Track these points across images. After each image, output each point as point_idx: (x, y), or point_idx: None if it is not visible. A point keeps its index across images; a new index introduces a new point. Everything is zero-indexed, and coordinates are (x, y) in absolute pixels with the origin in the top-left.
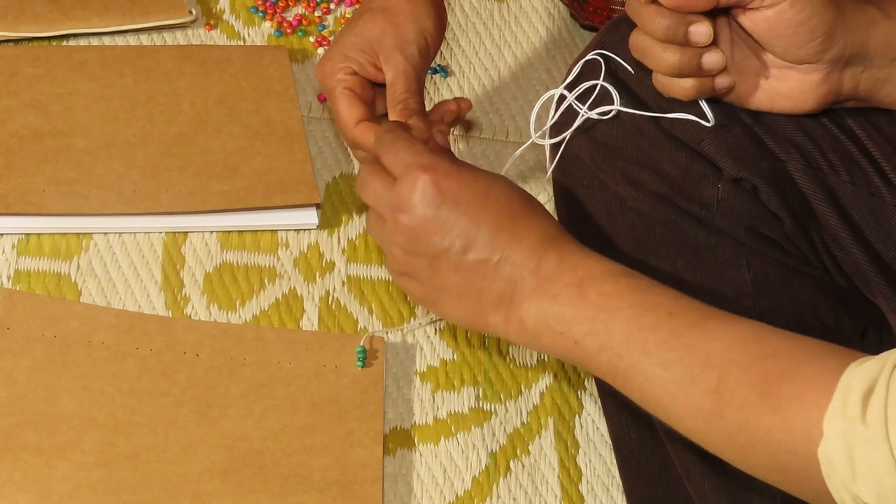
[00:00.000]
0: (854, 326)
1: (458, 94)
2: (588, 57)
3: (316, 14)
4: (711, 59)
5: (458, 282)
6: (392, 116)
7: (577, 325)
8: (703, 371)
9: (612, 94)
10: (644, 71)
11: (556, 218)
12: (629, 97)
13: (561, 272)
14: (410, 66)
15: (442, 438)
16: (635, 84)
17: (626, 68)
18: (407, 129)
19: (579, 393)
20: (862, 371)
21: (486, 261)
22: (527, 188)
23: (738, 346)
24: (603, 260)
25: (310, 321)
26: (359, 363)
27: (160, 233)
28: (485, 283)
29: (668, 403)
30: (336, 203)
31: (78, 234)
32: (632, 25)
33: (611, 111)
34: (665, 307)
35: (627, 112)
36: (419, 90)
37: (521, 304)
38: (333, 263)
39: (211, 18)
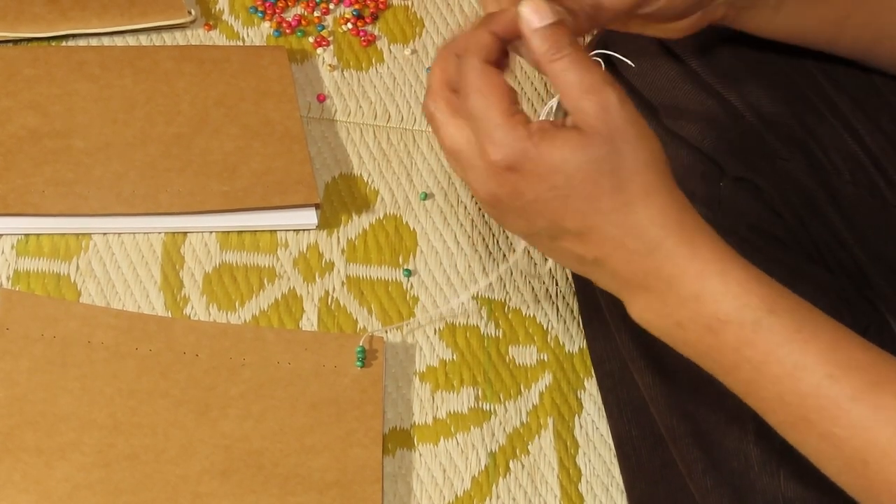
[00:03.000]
0: (855, 326)
1: None
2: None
3: (315, 14)
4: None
5: (557, 258)
6: None
7: (712, 362)
8: (865, 465)
9: None
10: (645, 66)
11: None
12: (630, 93)
13: (679, 303)
14: None
15: (441, 438)
16: (637, 80)
17: (628, 64)
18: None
19: (579, 393)
20: None
21: (580, 255)
22: None
23: None
24: (731, 285)
25: (309, 321)
26: (358, 363)
27: (159, 233)
28: (586, 269)
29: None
30: (335, 203)
31: (77, 234)
32: None
33: None
34: (822, 368)
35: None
36: (605, 12)
37: (632, 308)
38: (333, 264)
39: (210, 19)
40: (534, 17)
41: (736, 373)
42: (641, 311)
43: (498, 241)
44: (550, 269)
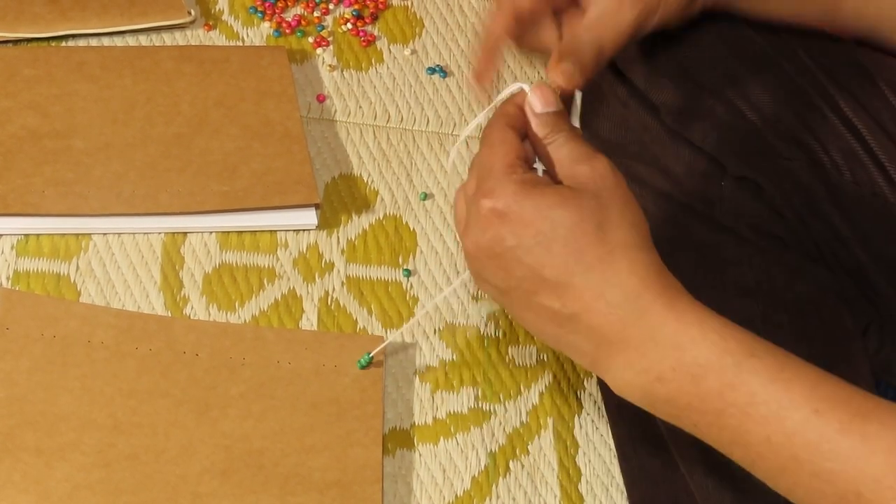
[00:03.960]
0: (856, 325)
1: (457, 95)
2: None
3: (315, 14)
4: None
5: (531, 319)
6: (552, 65)
7: (696, 414)
8: (859, 496)
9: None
10: (648, 66)
11: None
12: (633, 93)
13: (659, 353)
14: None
15: (441, 439)
16: (639, 80)
17: (629, 64)
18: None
19: (578, 393)
20: None
21: (556, 311)
22: None
23: None
24: (709, 333)
25: (309, 322)
26: (359, 364)
27: (159, 233)
28: (561, 332)
29: None
30: (335, 203)
31: (77, 234)
32: None
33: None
34: (809, 404)
35: (630, 110)
36: (608, 55)
37: (609, 371)
38: (333, 264)
39: (210, 19)
40: (537, 104)
41: (721, 420)
42: (620, 370)
43: None
44: None
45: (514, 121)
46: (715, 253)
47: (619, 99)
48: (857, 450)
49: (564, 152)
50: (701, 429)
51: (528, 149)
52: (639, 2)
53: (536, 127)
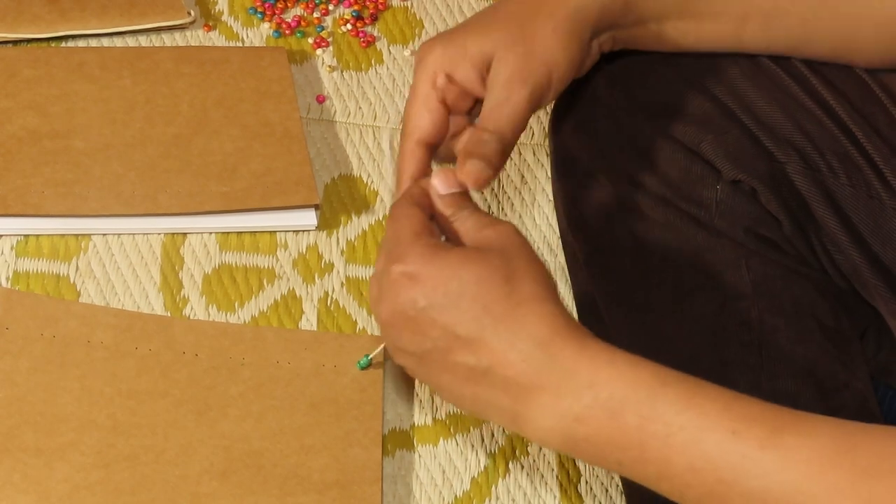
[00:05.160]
0: (853, 328)
1: None
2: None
3: (315, 15)
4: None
5: (448, 381)
6: (459, 168)
7: (618, 451)
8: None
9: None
10: (642, 69)
11: (557, 219)
12: (628, 96)
13: (575, 394)
14: (520, 112)
15: (441, 439)
16: (633, 83)
17: (627, 65)
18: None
19: None
20: None
21: (472, 367)
22: (525, 189)
23: (828, 463)
24: (622, 368)
25: (308, 322)
26: (358, 366)
27: (159, 234)
28: (479, 389)
29: None
30: (335, 204)
31: (77, 235)
32: None
33: None
34: (725, 425)
35: (626, 114)
36: (512, 141)
37: (528, 422)
38: (332, 264)
39: (209, 20)
40: (441, 186)
41: (644, 453)
42: (538, 417)
43: None
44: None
45: (418, 200)
46: (711, 256)
47: (615, 103)
48: (779, 463)
49: (470, 223)
50: (625, 466)
51: (434, 226)
52: (526, 82)
53: (441, 207)
